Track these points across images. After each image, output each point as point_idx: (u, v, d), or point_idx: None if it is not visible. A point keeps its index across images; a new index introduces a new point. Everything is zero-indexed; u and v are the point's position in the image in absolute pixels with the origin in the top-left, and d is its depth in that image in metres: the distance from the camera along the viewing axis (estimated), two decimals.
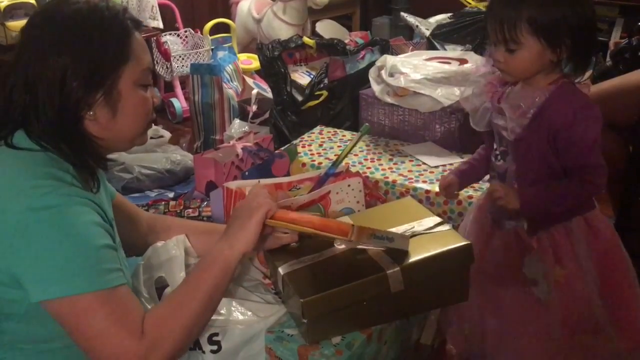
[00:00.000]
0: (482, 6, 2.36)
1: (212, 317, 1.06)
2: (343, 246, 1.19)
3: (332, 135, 2.08)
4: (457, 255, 1.12)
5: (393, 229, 1.16)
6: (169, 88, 3.43)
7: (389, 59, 2.08)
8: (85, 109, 0.95)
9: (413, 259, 1.09)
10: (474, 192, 1.64)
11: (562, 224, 1.26)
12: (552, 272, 1.26)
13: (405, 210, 1.30)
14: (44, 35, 0.95)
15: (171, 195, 2.14)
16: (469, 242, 1.12)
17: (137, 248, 1.21)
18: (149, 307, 1.08)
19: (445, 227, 1.18)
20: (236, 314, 1.10)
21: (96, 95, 0.95)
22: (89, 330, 0.87)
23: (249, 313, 1.11)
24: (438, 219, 1.20)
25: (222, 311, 1.10)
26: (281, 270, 1.12)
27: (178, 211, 1.69)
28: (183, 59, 3.19)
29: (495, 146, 1.34)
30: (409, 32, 3.27)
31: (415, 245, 1.12)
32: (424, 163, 1.84)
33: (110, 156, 1.04)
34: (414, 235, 1.16)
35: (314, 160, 1.88)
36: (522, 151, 1.24)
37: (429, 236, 1.16)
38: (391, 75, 2.02)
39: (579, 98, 1.20)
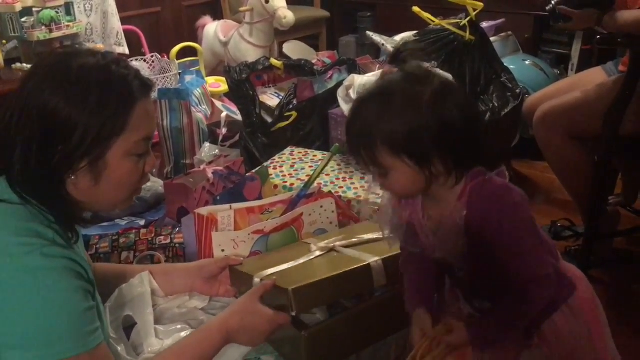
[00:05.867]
0: (445, 24, 2.40)
1: None
2: (318, 253, 1.19)
3: (303, 155, 2.08)
4: None
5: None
6: None
7: (357, 78, 2.09)
8: (67, 172, 0.91)
9: (393, 252, 1.12)
10: None
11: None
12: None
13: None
14: (44, 85, 0.89)
15: (142, 222, 2.09)
16: None
17: None
18: (119, 348, 1.06)
19: None
20: None
21: (80, 163, 0.91)
22: None
23: None
24: None
25: None
26: (257, 278, 1.11)
27: (149, 239, 1.66)
28: None
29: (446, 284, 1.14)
30: (376, 51, 3.30)
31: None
32: None
33: None
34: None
35: (285, 182, 1.87)
36: (483, 277, 1.06)
37: None
38: (359, 94, 2.03)
39: (496, 197, 1.00)
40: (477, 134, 1.02)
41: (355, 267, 1.10)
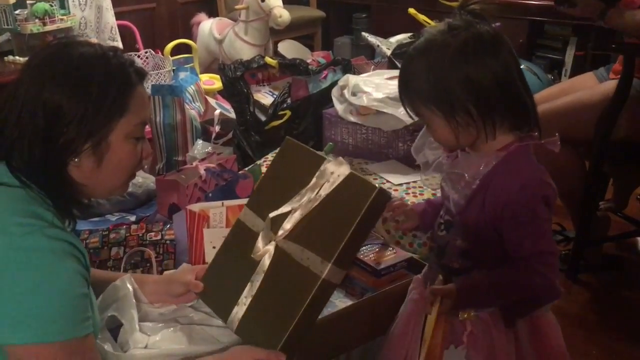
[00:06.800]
0: None
1: (171, 346, 1.05)
2: (260, 253, 1.07)
3: None
4: (374, 208, 1.00)
5: (292, 204, 1.05)
6: None
7: (351, 79, 2.09)
8: (71, 156, 0.94)
9: (339, 246, 0.98)
10: None
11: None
12: None
13: (291, 166, 1.12)
14: (45, 74, 0.93)
15: (133, 218, 2.08)
16: (376, 187, 0.98)
17: None
18: (105, 346, 1.06)
19: (343, 169, 1.02)
20: (197, 341, 1.08)
21: (85, 144, 0.94)
22: None
23: (211, 340, 1.09)
24: (328, 166, 1.03)
25: (182, 341, 1.07)
26: (232, 327, 1.08)
27: (140, 235, 1.65)
28: None
29: (441, 212, 1.13)
30: (370, 52, 3.30)
31: (330, 220, 1.01)
32: (388, 181, 1.85)
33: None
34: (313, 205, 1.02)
35: None
36: (470, 229, 1.05)
37: (334, 200, 1.01)
38: (354, 94, 2.03)
39: (529, 169, 1.02)
40: (513, 95, 0.99)
41: (312, 293, 0.99)
